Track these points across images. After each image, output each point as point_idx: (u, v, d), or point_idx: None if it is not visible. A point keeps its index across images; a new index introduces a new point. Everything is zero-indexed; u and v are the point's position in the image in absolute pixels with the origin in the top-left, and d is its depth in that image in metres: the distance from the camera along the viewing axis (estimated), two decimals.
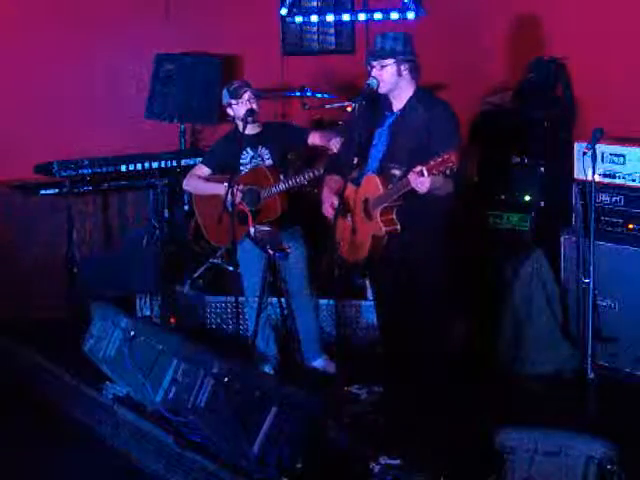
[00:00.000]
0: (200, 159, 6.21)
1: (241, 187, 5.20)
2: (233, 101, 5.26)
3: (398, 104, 4.58)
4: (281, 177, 5.24)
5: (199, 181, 5.44)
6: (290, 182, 5.15)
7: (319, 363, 5.40)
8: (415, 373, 4.57)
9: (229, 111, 5.34)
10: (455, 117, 4.48)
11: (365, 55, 4.60)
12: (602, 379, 4.99)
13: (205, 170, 5.43)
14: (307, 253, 5.40)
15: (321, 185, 4.90)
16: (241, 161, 5.32)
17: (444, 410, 4.52)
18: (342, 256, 4.67)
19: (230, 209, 5.10)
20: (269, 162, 5.33)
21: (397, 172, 4.42)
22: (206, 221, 5.52)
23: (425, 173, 4.08)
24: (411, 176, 4.15)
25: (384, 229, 4.39)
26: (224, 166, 5.32)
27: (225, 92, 5.32)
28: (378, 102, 4.62)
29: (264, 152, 5.34)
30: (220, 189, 5.19)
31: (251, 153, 5.34)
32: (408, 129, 4.48)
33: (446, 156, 4.03)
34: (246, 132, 5.18)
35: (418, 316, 4.55)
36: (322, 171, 5.01)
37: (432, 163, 4.06)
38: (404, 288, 4.58)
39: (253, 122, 5.22)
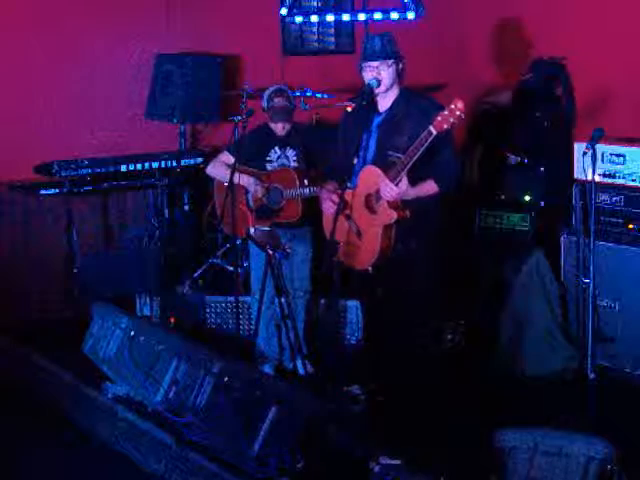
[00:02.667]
0: (200, 159, 6.23)
1: (266, 184, 5.33)
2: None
3: (385, 105, 4.61)
4: (305, 182, 5.26)
5: (224, 168, 5.44)
6: (315, 189, 5.17)
7: (297, 364, 5.36)
8: (407, 372, 4.58)
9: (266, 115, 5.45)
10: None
11: (365, 56, 4.58)
12: (602, 379, 4.99)
13: (230, 159, 5.45)
14: (313, 254, 5.41)
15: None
16: (268, 158, 5.41)
17: (444, 410, 4.52)
18: (347, 263, 4.66)
19: (251, 202, 5.25)
20: (295, 163, 5.37)
21: (395, 156, 4.43)
22: (224, 211, 5.52)
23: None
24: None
25: (395, 214, 4.40)
26: (249, 160, 5.35)
27: (268, 94, 5.41)
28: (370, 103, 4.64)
29: (291, 153, 5.40)
30: (245, 180, 5.32)
31: (279, 152, 5.41)
32: (398, 124, 4.50)
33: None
34: (276, 131, 5.39)
35: (405, 316, 4.56)
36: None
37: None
38: (391, 288, 4.60)
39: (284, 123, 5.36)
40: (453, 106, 4.17)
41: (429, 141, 4.21)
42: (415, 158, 4.26)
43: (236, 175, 5.32)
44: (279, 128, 5.39)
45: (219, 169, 5.50)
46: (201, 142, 7.00)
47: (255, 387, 4.08)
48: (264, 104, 5.40)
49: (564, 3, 6.33)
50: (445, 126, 4.18)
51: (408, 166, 4.28)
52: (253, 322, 5.44)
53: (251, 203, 5.41)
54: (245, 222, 5.21)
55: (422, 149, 4.23)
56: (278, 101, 5.35)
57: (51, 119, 6.39)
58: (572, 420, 4.43)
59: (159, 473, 4.33)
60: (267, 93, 5.41)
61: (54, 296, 6.08)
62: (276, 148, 5.42)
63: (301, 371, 5.26)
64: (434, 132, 4.19)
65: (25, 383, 5.36)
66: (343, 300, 5.70)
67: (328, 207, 4.69)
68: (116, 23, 6.60)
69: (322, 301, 5.64)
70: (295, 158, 5.41)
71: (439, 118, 4.18)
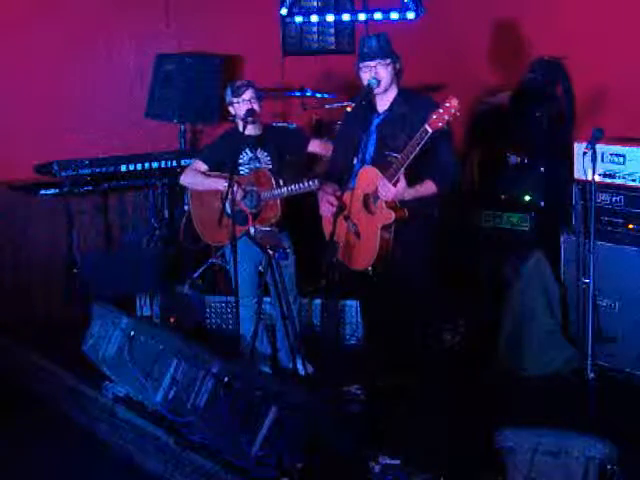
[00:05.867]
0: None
1: (243, 187, 5.22)
2: (234, 99, 5.26)
3: (383, 105, 4.61)
4: (281, 182, 5.23)
5: (198, 175, 5.42)
6: (292, 187, 5.13)
7: (297, 364, 5.34)
8: (407, 372, 4.59)
9: (230, 109, 5.34)
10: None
11: (362, 56, 4.58)
12: (602, 379, 4.99)
13: (203, 166, 5.43)
14: (295, 257, 5.40)
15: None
16: (239, 161, 5.32)
17: (444, 410, 4.52)
18: (346, 264, 4.66)
19: (229, 208, 5.10)
20: (268, 165, 5.33)
21: (394, 156, 4.43)
22: (202, 220, 5.51)
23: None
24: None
25: (393, 214, 4.40)
26: (221, 164, 5.32)
27: (228, 90, 5.33)
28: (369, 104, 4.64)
29: (263, 154, 5.34)
30: (220, 184, 5.19)
31: (250, 154, 5.33)
32: (397, 125, 4.51)
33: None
34: (246, 133, 5.17)
35: (405, 316, 4.57)
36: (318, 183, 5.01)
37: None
38: (392, 288, 4.60)
39: (253, 122, 5.22)
40: (448, 104, 4.18)
41: (425, 140, 4.22)
42: (412, 157, 4.26)
43: (211, 181, 5.31)
44: (251, 124, 5.20)
45: (194, 177, 5.43)
46: (201, 142, 7.00)
47: (255, 387, 4.08)
48: (228, 102, 5.29)
49: (564, 3, 6.33)
50: (440, 124, 4.18)
51: (405, 165, 4.29)
52: (241, 323, 5.39)
53: (228, 208, 5.20)
54: (234, 228, 5.09)
55: (418, 148, 4.23)
56: (249, 95, 5.21)
57: (51, 119, 6.39)
58: (572, 420, 4.43)
59: (159, 473, 4.33)
60: (229, 90, 5.29)
61: (54, 296, 6.09)
62: (247, 150, 5.32)
63: (301, 371, 5.25)
64: (430, 131, 4.20)
65: (25, 383, 5.36)
66: (342, 300, 5.71)
67: (325, 209, 4.70)
68: (116, 23, 6.60)
69: (321, 302, 5.64)
70: (268, 159, 5.34)
71: (434, 116, 4.19)
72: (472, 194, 6.26)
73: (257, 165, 5.32)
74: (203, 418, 4.26)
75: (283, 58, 7.29)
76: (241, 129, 5.12)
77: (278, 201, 5.20)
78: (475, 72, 6.85)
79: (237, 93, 5.24)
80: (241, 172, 5.31)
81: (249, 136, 5.27)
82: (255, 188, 5.24)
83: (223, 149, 5.35)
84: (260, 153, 5.34)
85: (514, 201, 5.98)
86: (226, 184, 5.03)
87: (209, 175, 5.38)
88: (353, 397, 4.93)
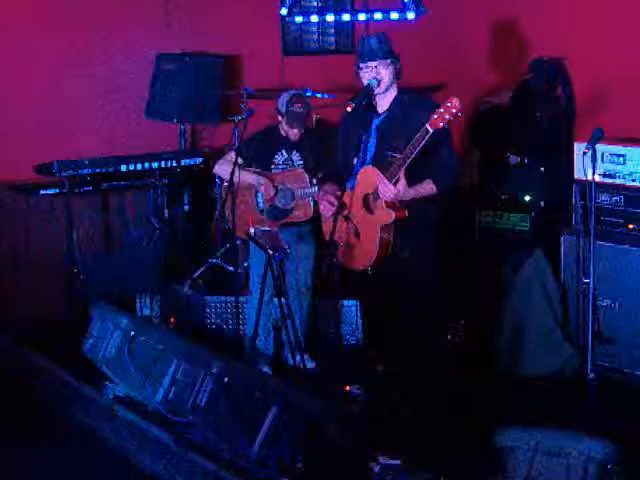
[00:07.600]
0: (200, 159, 6.21)
1: (275, 185, 5.35)
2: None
3: (383, 105, 4.62)
4: (314, 180, 5.26)
5: (231, 166, 5.43)
6: None
7: (298, 360, 5.34)
8: (407, 372, 4.59)
9: (279, 117, 5.38)
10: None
11: (362, 56, 4.58)
12: (602, 379, 4.99)
13: (238, 158, 5.45)
14: (315, 252, 5.41)
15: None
16: (274, 161, 5.40)
17: (444, 410, 4.52)
18: (345, 264, 4.66)
19: (262, 204, 5.30)
20: (299, 164, 5.38)
21: (394, 155, 4.43)
22: (235, 214, 5.51)
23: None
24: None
25: (393, 214, 4.40)
26: (255, 161, 5.36)
27: (286, 98, 5.35)
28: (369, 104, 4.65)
29: (297, 157, 5.40)
30: (254, 179, 5.36)
31: (285, 155, 5.44)
32: (397, 125, 4.51)
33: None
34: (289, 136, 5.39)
35: (408, 316, 4.56)
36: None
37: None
38: (394, 288, 4.60)
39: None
40: (449, 104, 4.18)
41: (425, 139, 4.22)
42: (412, 157, 4.26)
43: (245, 174, 5.33)
44: (293, 133, 5.36)
45: (227, 167, 5.45)
46: (201, 142, 7.00)
47: (255, 387, 4.09)
48: (281, 108, 5.33)
49: (564, 3, 6.33)
50: (441, 124, 4.19)
51: (405, 165, 4.29)
52: (247, 320, 5.42)
53: (261, 204, 5.42)
54: (253, 222, 5.18)
55: (419, 147, 4.23)
56: (298, 107, 5.29)
57: (51, 119, 6.40)
58: (572, 420, 4.44)
59: (159, 473, 4.33)
60: (285, 97, 5.34)
61: (54, 296, 6.08)
62: (283, 151, 5.42)
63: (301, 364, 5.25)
64: (430, 130, 4.20)
65: (25, 383, 5.36)
66: (343, 300, 5.71)
67: (324, 209, 4.70)
68: (116, 23, 6.60)
69: (322, 302, 5.64)
70: (301, 162, 5.40)
71: (435, 116, 4.19)
72: (472, 194, 6.26)
73: (290, 166, 5.38)
74: (203, 418, 4.26)
75: (283, 58, 7.29)
76: (283, 133, 5.37)
77: (311, 199, 5.24)
78: (475, 72, 6.86)
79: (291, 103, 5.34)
80: (274, 171, 5.39)
81: (287, 138, 5.38)
82: (289, 185, 5.29)
83: (260, 145, 5.42)
84: (295, 156, 5.41)
85: (514, 201, 5.98)
86: (258, 178, 5.27)
87: (242, 169, 5.39)
88: (353, 397, 4.93)
